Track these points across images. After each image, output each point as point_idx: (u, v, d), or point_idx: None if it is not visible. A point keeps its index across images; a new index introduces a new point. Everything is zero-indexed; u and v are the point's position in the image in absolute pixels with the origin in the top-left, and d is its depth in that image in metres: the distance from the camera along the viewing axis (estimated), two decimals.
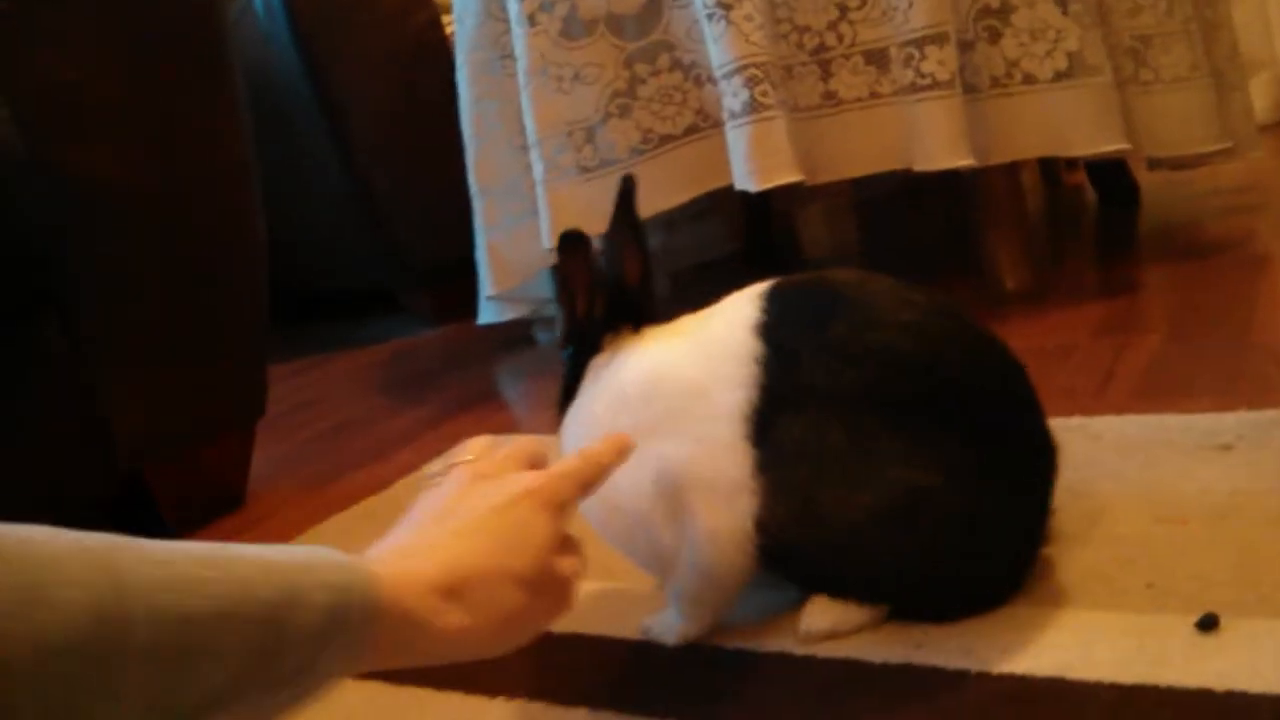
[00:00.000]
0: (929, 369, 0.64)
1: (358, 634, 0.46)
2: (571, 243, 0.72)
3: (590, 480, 0.59)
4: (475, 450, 0.60)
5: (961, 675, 0.62)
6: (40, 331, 1.12)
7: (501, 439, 0.62)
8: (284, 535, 1.16)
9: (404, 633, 0.48)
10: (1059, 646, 0.62)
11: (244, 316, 1.33)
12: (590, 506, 0.75)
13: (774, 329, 0.67)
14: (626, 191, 0.76)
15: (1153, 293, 1.37)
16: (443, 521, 0.54)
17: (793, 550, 0.67)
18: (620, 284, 0.75)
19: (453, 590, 0.50)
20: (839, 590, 0.69)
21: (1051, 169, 2.40)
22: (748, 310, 0.69)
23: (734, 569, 0.69)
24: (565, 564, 0.56)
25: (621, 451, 0.61)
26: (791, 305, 0.68)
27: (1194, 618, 0.61)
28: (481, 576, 0.51)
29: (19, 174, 1.06)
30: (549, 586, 0.55)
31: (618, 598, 0.83)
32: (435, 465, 0.64)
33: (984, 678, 0.61)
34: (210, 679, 0.40)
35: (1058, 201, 2.25)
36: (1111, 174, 2.05)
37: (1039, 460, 0.68)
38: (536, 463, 0.61)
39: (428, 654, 0.51)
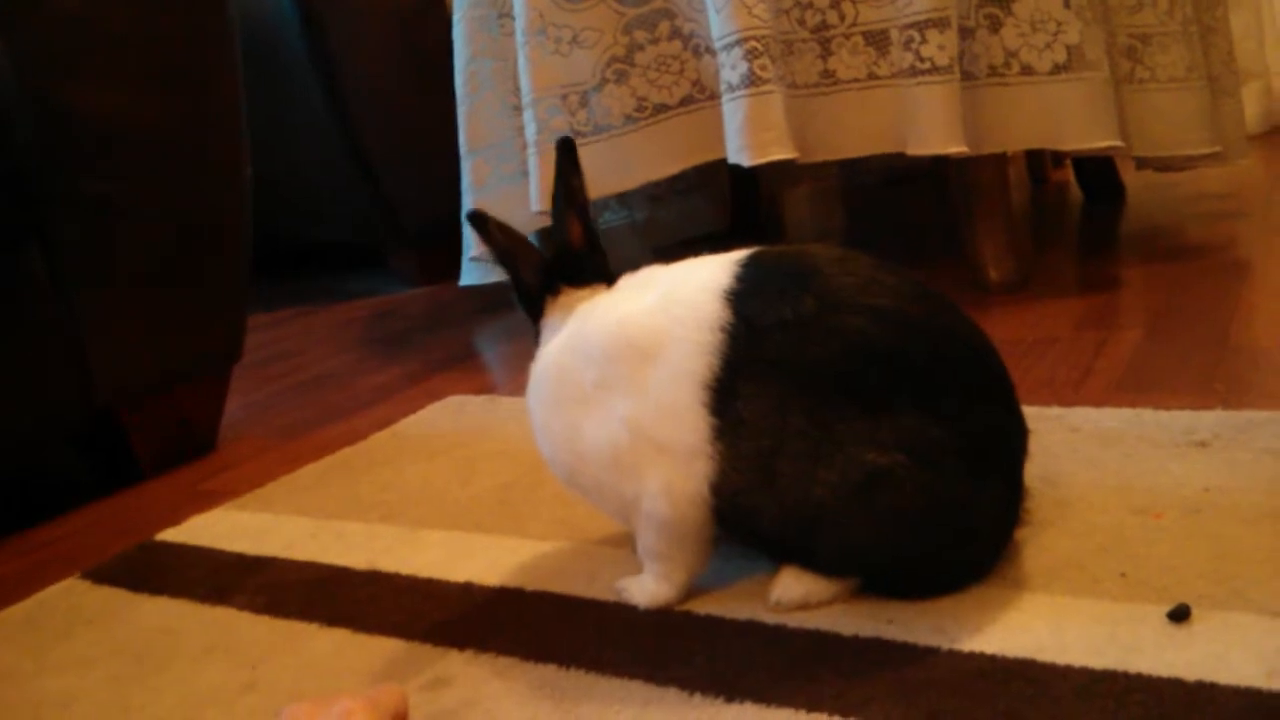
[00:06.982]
0: (896, 355, 0.63)
1: None
2: (474, 221, 0.75)
3: None
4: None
5: (931, 651, 0.62)
6: (23, 265, 1.10)
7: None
8: (255, 482, 1.14)
9: None
10: (1030, 629, 0.63)
11: (226, 259, 1.31)
12: (557, 458, 0.75)
13: (744, 299, 0.66)
14: (564, 152, 0.76)
15: (1134, 291, 1.38)
16: None
17: (750, 517, 0.67)
18: (565, 246, 0.77)
19: None
20: (804, 562, 0.69)
21: (1038, 165, 2.41)
22: (720, 276, 0.68)
23: (691, 525, 0.69)
24: None
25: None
26: (765, 276, 0.67)
27: (1166, 608, 0.62)
28: None
29: (13, 106, 1.04)
30: None
31: (590, 558, 0.83)
32: None
33: (954, 655, 0.61)
34: None
35: (1042, 197, 2.26)
36: (1098, 172, 2.06)
37: (1008, 444, 0.68)
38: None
39: None
